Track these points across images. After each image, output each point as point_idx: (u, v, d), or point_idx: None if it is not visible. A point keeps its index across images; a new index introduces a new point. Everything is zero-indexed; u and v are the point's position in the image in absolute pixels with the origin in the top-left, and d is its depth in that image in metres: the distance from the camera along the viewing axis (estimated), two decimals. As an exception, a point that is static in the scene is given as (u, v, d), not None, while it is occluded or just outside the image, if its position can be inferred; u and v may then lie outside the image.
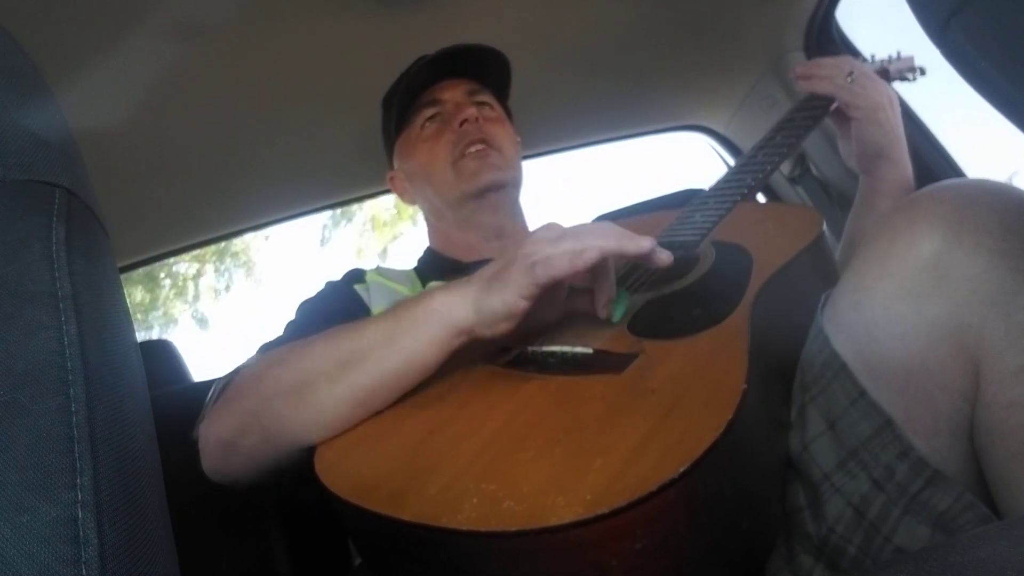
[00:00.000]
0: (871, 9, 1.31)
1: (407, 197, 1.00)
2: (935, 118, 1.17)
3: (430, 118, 0.93)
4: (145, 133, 1.10)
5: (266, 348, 0.70)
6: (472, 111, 0.90)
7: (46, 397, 0.28)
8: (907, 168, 0.83)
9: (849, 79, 0.82)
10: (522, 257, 0.52)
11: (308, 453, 0.55)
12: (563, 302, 0.59)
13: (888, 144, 0.81)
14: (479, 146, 0.89)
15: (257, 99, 1.13)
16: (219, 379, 0.66)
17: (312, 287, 0.87)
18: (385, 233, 6.14)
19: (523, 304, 0.52)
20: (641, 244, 0.52)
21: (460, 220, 0.92)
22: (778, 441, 0.52)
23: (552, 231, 0.54)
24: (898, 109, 0.84)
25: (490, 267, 0.56)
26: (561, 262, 0.50)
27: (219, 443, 0.60)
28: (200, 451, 0.61)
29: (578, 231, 0.53)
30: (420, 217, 1.04)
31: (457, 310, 0.54)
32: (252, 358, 0.68)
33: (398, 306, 0.58)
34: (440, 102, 0.93)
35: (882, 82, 0.85)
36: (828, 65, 0.85)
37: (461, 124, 0.89)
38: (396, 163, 1.00)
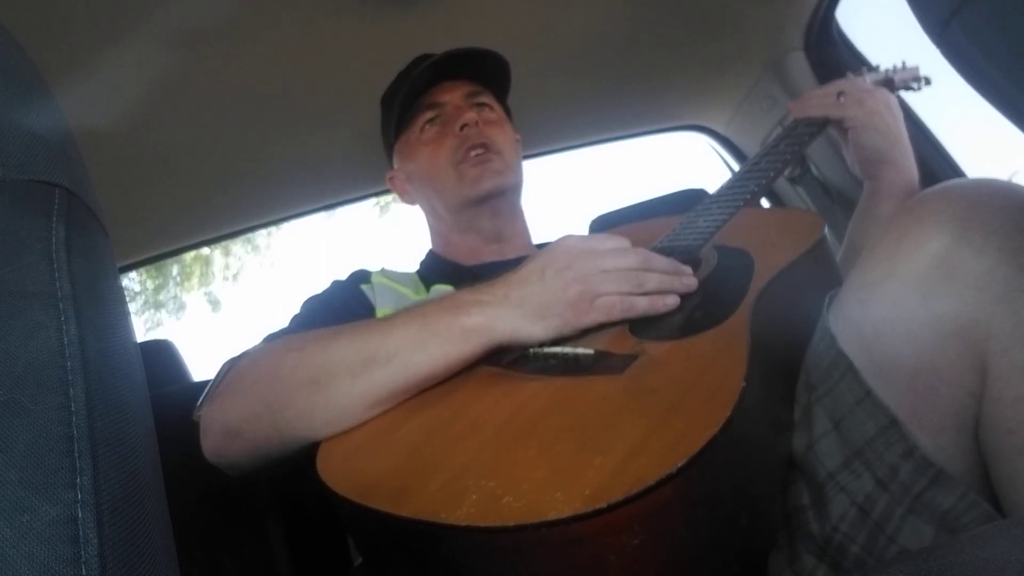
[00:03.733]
0: (871, 9, 1.31)
1: (407, 198, 1.00)
2: (935, 119, 1.17)
3: (430, 120, 0.92)
4: (145, 133, 1.10)
5: (271, 339, 0.70)
6: (472, 115, 0.89)
7: (46, 397, 0.28)
8: (911, 171, 0.83)
9: (840, 98, 0.84)
10: (578, 296, 0.56)
11: (310, 446, 0.55)
12: None
13: (889, 148, 0.82)
14: (480, 151, 0.88)
15: (257, 99, 1.13)
16: (225, 362, 0.66)
17: (326, 270, 0.87)
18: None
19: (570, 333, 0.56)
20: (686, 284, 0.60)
21: (461, 224, 0.93)
22: (779, 440, 0.52)
23: (592, 259, 0.57)
24: (898, 113, 0.84)
25: (531, 290, 0.57)
26: (614, 312, 0.56)
27: (225, 427, 0.59)
28: (202, 433, 0.61)
29: (621, 263, 0.57)
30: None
31: (497, 332, 0.55)
32: (259, 345, 0.67)
33: (427, 311, 0.58)
34: (439, 105, 0.93)
35: (878, 89, 0.86)
36: (817, 94, 0.87)
37: (461, 128, 0.89)
38: (396, 163, 1.00)
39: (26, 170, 0.33)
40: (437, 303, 0.58)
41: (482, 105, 0.95)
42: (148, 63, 0.96)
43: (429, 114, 0.92)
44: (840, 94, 0.84)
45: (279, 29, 1.01)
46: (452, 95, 0.93)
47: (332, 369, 0.56)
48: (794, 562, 0.51)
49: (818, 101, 0.86)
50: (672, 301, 0.58)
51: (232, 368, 0.63)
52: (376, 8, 1.02)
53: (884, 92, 0.86)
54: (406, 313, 0.59)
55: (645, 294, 0.57)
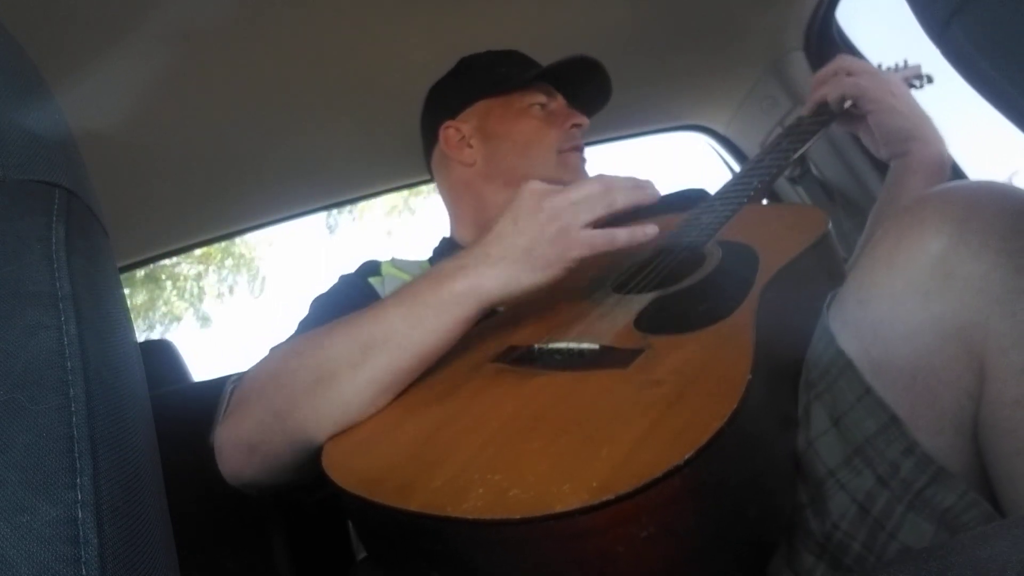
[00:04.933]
0: (871, 9, 1.31)
1: (463, 154, 0.95)
2: (936, 119, 1.17)
3: (542, 104, 0.95)
4: (145, 133, 1.10)
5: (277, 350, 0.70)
6: (586, 120, 0.95)
7: (46, 397, 0.28)
8: (939, 143, 0.82)
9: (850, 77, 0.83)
10: (557, 232, 0.56)
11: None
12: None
13: (914, 126, 0.81)
14: (579, 153, 0.95)
15: (257, 99, 1.13)
16: (229, 382, 0.65)
17: (319, 282, 0.86)
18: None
19: (559, 277, 0.56)
20: (650, 193, 0.60)
21: None
22: (786, 435, 0.52)
23: (559, 194, 0.57)
24: (906, 90, 0.84)
25: (509, 240, 0.57)
26: (596, 243, 0.56)
27: (239, 446, 0.59)
28: (217, 456, 0.60)
29: (596, 195, 0.58)
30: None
31: (485, 291, 0.56)
32: (263, 358, 0.67)
33: (415, 286, 0.58)
34: (553, 97, 0.96)
35: (879, 70, 0.85)
36: (827, 73, 0.85)
37: (572, 127, 0.93)
38: (465, 116, 0.96)
39: (26, 170, 0.33)
40: (423, 277, 0.59)
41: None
42: (148, 63, 0.96)
43: (543, 98, 0.95)
44: (849, 74, 0.83)
45: (280, 29, 1.01)
46: (558, 96, 0.97)
47: (333, 364, 0.56)
48: (793, 561, 0.51)
49: (834, 82, 0.84)
50: (651, 230, 0.59)
51: (237, 386, 0.63)
52: (375, 8, 1.02)
53: (888, 72, 0.85)
54: (395, 294, 0.59)
55: (624, 226, 0.59)
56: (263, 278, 6.35)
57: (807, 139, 0.82)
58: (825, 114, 0.85)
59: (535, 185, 0.59)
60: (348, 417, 0.55)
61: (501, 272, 0.56)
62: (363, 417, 0.55)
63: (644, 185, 0.60)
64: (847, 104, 0.83)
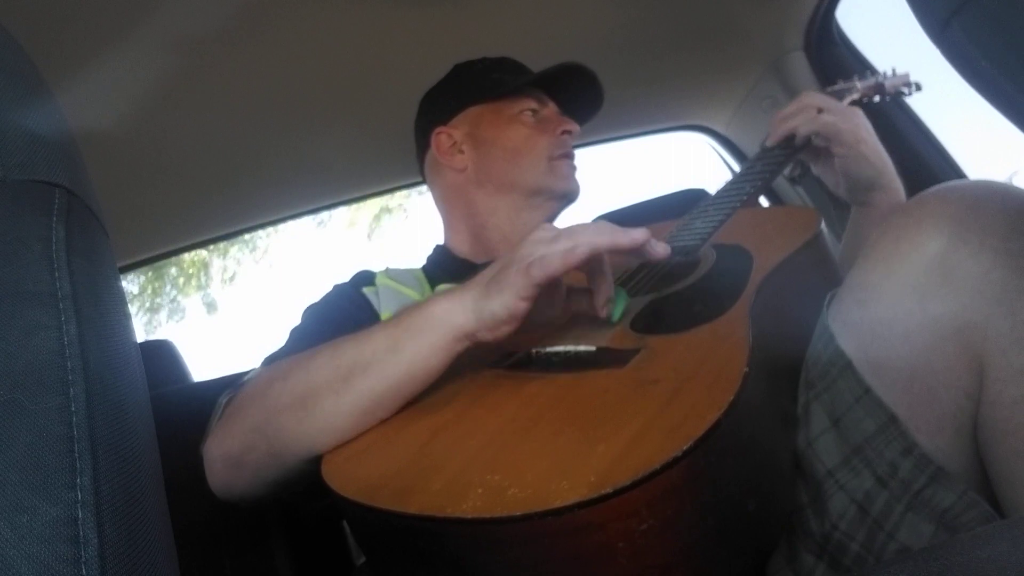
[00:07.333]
0: (871, 9, 1.32)
1: (454, 160, 0.95)
2: (935, 119, 1.17)
3: (533, 110, 0.95)
4: (144, 133, 1.10)
5: (270, 360, 0.70)
6: (577, 127, 0.95)
7: (46, 397, 0.28)
8: (899, 192, 0.80)
9: (820, 114, 0.78)
10: (518, 259, 0.53)
11: (315, 466, 0.55)
12: (562, 301, 0.59)
13: (879, 174, 0.78)
14: (571, 160, 0.95)
15: (256, 99, 1.13)
16: (224, 394, 0.66)
17: (319, 282, 0.86)
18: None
19: (522, 305, 0.51)
20: (634, 236, 0.52)
21: (515, 207, 0.93)
22: (785, 432, 0.52)
23: (547, 231, 0.55)
24: (872, 132, 0.79)
25: (487, 271, 0.56)
26: (554, 260, 0.50)
27: (225, 460, 0.60)
28: (206, 469, 0.61)
29: (572, 230, 0.54)
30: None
31: (457, 316, 0.54)
32: (256, 371, 0.67)
33: (402, 312, 0.58)
34: (543, 103, 0.97)
35: (851, 109, 0.80)
36: (794, 109, 0.81)
37: (562, 133, 0.94)
38: (457, 122, 0.96)
39: (26, 170, 0.33)
40: (412, 305, 0.58)
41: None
42: (148, 63, 0.96)
43: (534, 104, 0.95)
44: (820, 110, 0.78)
45: (279, 29, 1.01)
46: (550, 103, 0.98)
47: (315, 390, 0.56)
48: (793, 560, 0.51)
49: (806, 117, 0.79)
50: (581, 252, 0.50)
51: (231, 399, 0.64)
52: (373, 9, 1.02)
53: (856, 112, 0.80)
54: (387, 320, 0.59)
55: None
56: (253, 246, 6.27)
57: (799, 146, 0.82)
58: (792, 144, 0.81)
59: (534, 232, 0.56)
60: (331, 440, 0.55)
61: (468, 298, 0.54)
62: (348, 438, 0.55)
63: (631, 232, 0.52)
64: (816, 140, 0.79)
